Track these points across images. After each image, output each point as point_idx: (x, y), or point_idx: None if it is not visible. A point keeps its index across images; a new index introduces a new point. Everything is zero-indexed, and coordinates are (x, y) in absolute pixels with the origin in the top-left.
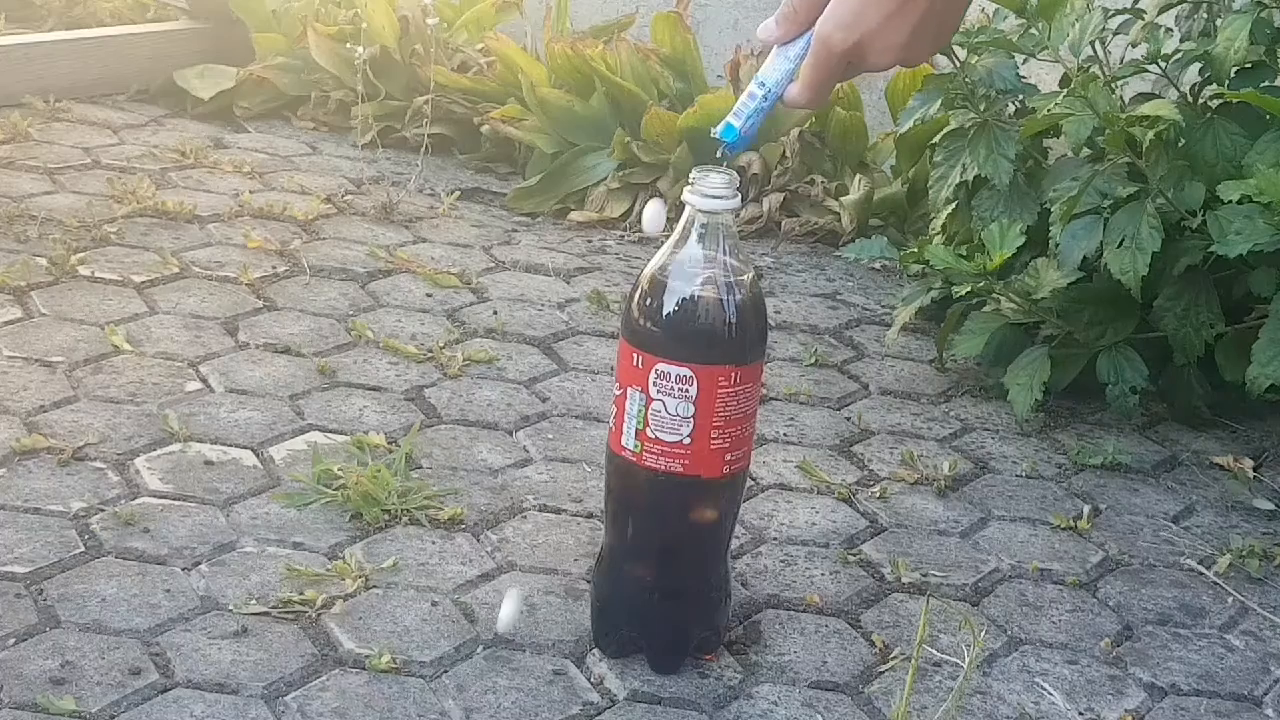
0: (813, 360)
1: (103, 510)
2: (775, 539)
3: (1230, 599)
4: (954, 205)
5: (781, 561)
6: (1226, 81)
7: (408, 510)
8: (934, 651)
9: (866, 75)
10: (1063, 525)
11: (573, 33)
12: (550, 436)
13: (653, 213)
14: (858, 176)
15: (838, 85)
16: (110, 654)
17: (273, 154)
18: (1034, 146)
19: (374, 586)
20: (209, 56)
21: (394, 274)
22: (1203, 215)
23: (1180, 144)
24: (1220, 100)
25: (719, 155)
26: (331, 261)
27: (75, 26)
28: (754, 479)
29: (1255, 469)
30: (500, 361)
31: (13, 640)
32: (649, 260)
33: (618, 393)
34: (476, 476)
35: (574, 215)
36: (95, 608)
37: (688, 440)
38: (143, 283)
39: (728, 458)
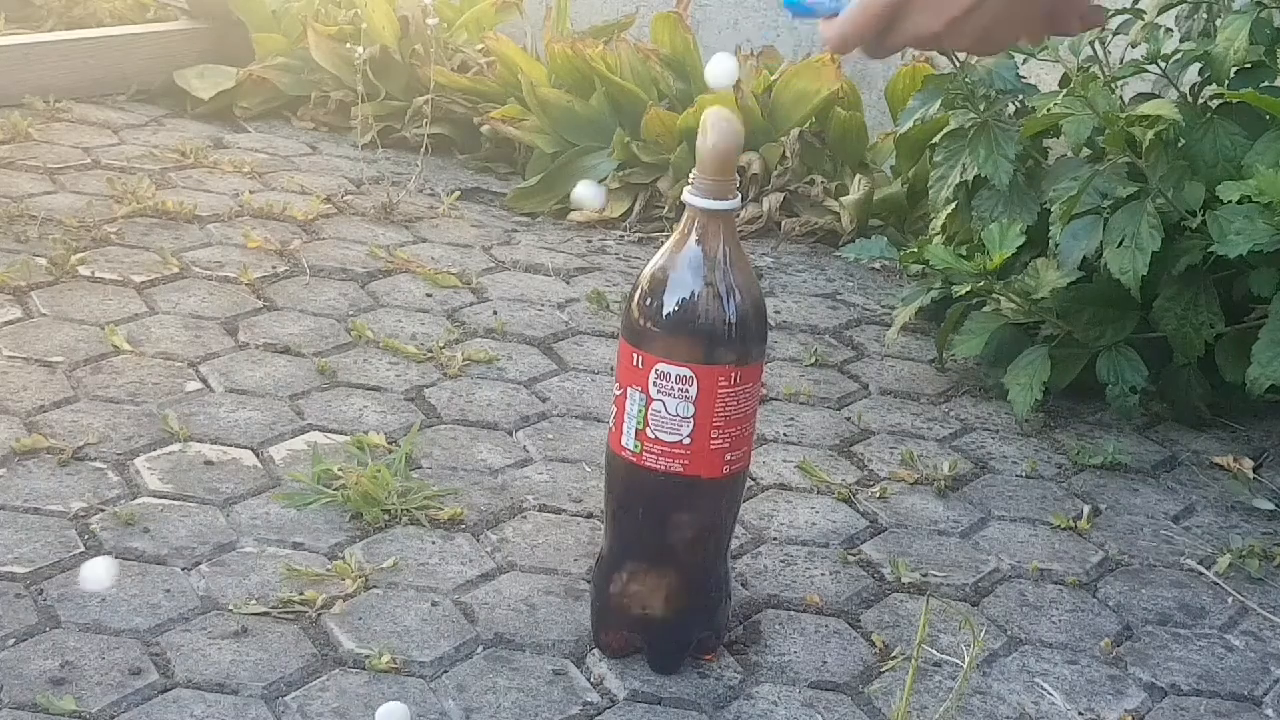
0: (813, 360)
1: (103, 510)
2: (775, 539)
3: (1230, 599)
4: (954, 205)
5: (781, 561)
6: (1226, 81)
7: (408, 510)
8: (934, 651)
9: (867, 75)
10: (1063, 525)
11: (573, 33)
12: (550, 436)
13: (721, 68)
14: (858, 176)
15: (839, 84)
16: (110, 654)
17: (273, 154)
18: (1034, 146)
19: (374, 586)
20: (209, 56)
21: (394, 274)
22: (1202, 215)
23: (1180, 144)
24: (1220, 100)
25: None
26: (331, 261)
27: (75, 26)
28: (754, 479)
29: (1255, 469)
30: (500, 361)
31: (13, 640)
32: (649, 260)
33: (618, 393)
34: (476, 476)
35: (574, 215)
36: (95, 608)
37: (688, 440)
38: (143, 283)
39: (728, 458)
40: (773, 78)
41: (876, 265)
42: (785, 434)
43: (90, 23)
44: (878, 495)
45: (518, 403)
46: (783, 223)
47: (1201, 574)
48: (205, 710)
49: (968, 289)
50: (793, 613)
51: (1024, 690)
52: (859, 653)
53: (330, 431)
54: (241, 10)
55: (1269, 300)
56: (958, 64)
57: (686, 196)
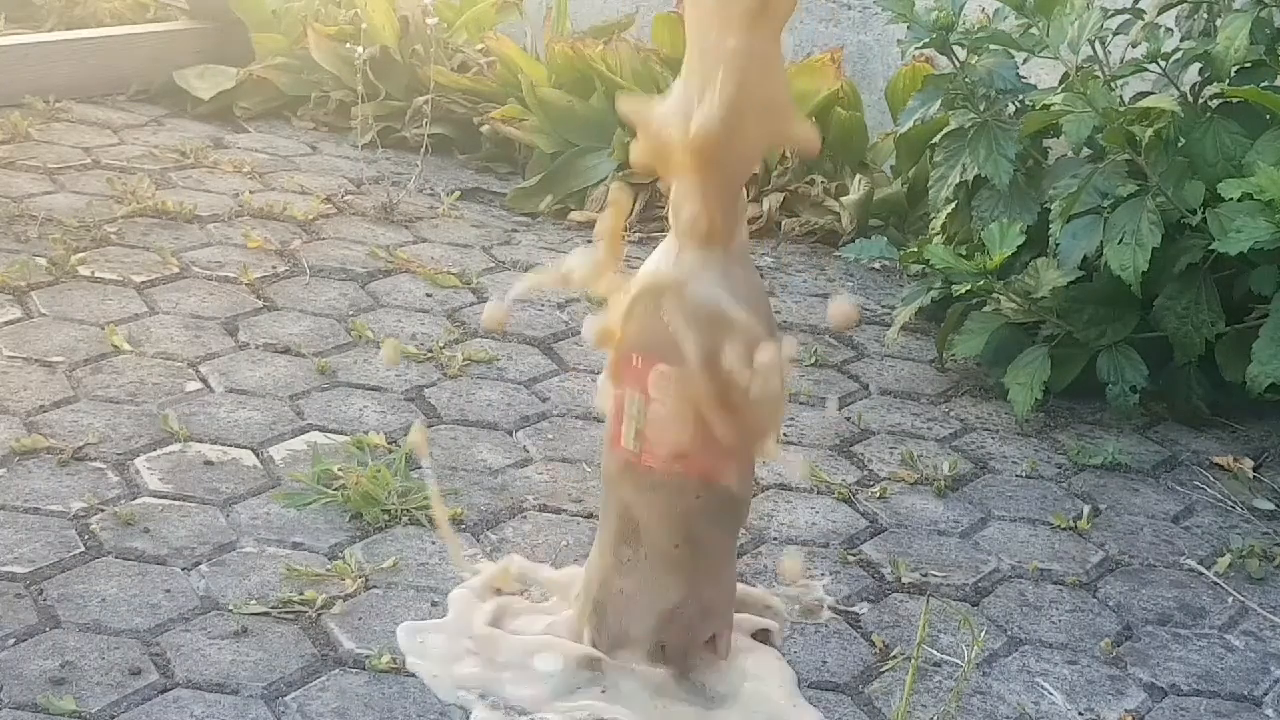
0: (813, 360)
1: (103, 510)
2: (775, 539)
3: (1230, 599)
4: (954, 205)
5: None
6: (1227, 80)
7: (408, 510)
8: (934, 651)
9: (867, 75)
10: (1063, 525)
11: (573, 33)
12: (550, 436)
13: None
14: (858, 176)
15: (839, 84)
16: (110, 654)
17: (273, 154)
18: (1034, 146)
19: (374, 586)
20: (209, 56)
21: (394, 274)
22: (1203, 213)
23: (1180, 142)
24: (1220, 99)
25: None
26: (331, 261)
27: (75, 26)
28: (754, 479)
29: (1255, 469)
30: (500, 361)
31: (13, 640)
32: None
33: (618, 393)
34: (476, 476)
35: (574, 215)
36: (95, 608)
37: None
38: (143, 283)
39: (729, 459)
40: None
41: (876, 265)
42: (785, 434)
43: (90, 23)
44: (878, 495)
45: (518, 403)
46: (783, 223)
47: (1201, 574)
48: (205, 710)
49: (968, 289)
50: None
51: (1024, 690)
52: (859, 653)
53: (330, 431)
54: (241, 10)
55: (1269, 299)
56: (958, 64)
57: None
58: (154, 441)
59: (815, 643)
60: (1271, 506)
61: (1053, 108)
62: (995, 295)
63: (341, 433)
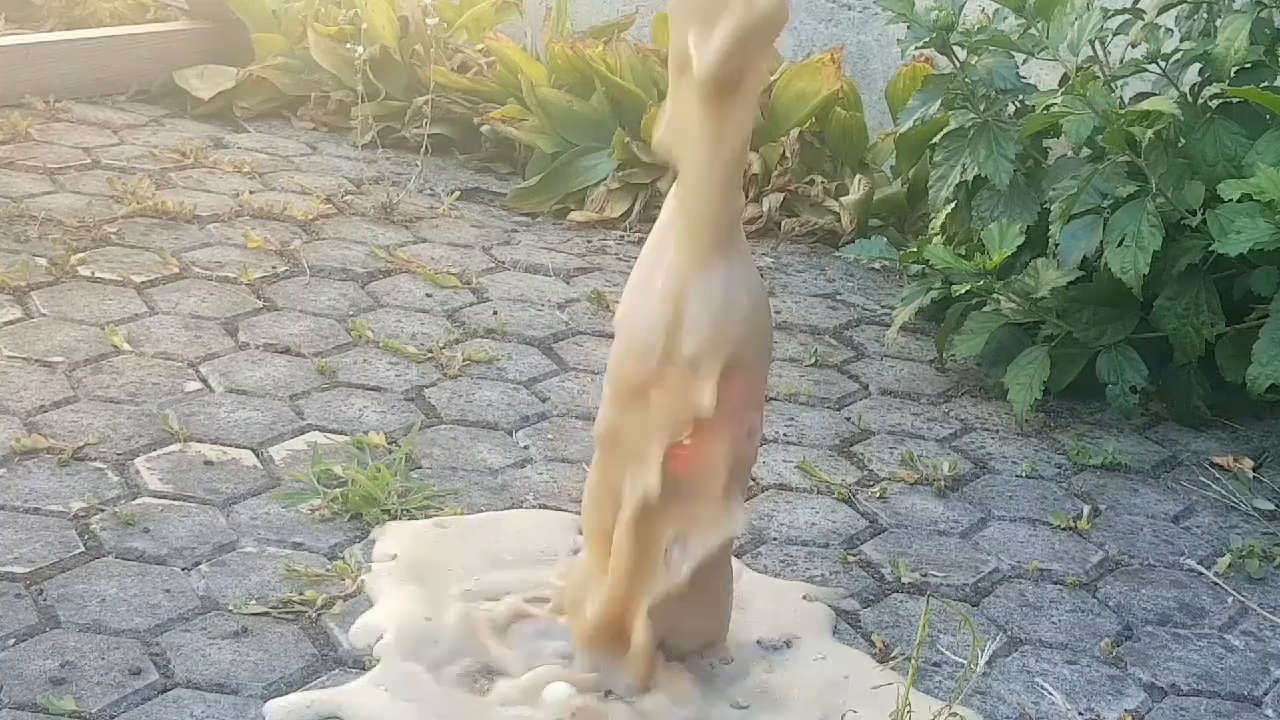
0: (813, 360)
1: (103, 510)
2: (775, 539)
3: (1230, 599)
4: (954, 205)
5: (781, 561)
6: (1227, 80)
7: (408, 510)
8: (934, 651)
9: (867, 75)
10: (1063, 525)
11: (573, 33)
12: (550, 436)
13: None
14: (858, 176)
15: (839, 84)
16: (110, 654)
17: (273, 154)
18: (1034, 146)
19: None
20: (209, 56)
21: (394, 274)
22: (1203, 214)
23: (1180, 143)
24: (1220, 100)
25: None
26: (331, 261)
27: (75, 26)
28: (754, 479)
29: (1255, 469)
30: (500, 361)
31: (13, 640)
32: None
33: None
34: (476, 476)
35: (574, 215)
36: (95, 608)
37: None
38: (143, 283)
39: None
40: (773, 78)
41: (876, 265)
42: (785, 434)
43: (90, 23)
44: (878, 495)
45: (518, 403)
46: (783, 223)
47: (1201, 574)
48: (205, 710)
49: (968, 289)
50: None
51: (1024, 690)
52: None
53: (330, 431)
54: (241, 10)
55: (1269, 299)
56: (958, 64)
57: None
58: (154, 441)
59: None
60: (1271, 506)
61: (1053, 108)
62: (995, 295)
63: (341, 433)
